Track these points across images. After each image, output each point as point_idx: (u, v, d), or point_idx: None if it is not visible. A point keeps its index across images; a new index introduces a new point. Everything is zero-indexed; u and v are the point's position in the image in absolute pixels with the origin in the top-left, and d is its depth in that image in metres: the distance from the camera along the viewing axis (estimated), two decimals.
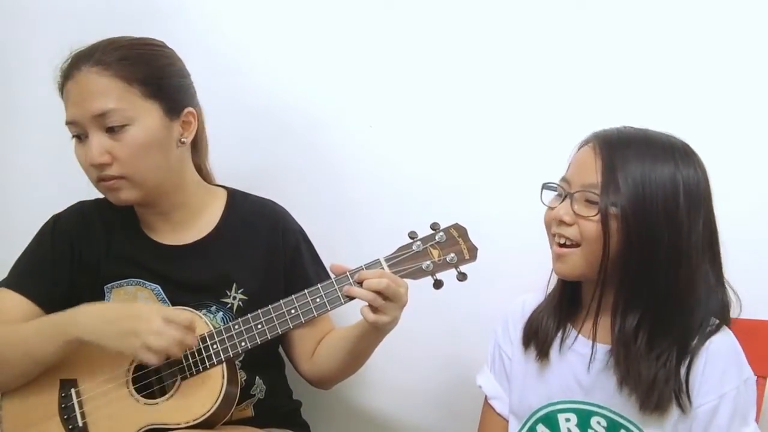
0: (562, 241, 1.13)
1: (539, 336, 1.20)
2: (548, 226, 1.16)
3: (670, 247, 1.07)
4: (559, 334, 1.19)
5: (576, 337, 1.18)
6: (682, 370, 1.08)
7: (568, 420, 1.18)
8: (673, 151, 1.10)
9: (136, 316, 1.21)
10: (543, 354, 1.20)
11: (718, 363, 1.09)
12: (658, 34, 1.46)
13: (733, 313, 1.14)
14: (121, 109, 1.25)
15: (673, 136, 1.13)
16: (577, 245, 1.12)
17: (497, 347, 1.30)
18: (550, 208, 1.16)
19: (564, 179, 1.15)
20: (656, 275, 1.07)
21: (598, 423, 1.15)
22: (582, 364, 1.16)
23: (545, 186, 1.17)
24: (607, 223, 1.07)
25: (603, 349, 1.14)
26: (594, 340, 1.15)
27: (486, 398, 1.31)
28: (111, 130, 1.25)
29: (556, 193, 1.16)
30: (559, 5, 1.51)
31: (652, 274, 1.08)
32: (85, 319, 1.24)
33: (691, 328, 1.10)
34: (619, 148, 1.10)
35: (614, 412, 1.14)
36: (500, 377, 1.29)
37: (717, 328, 1.11)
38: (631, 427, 1.12)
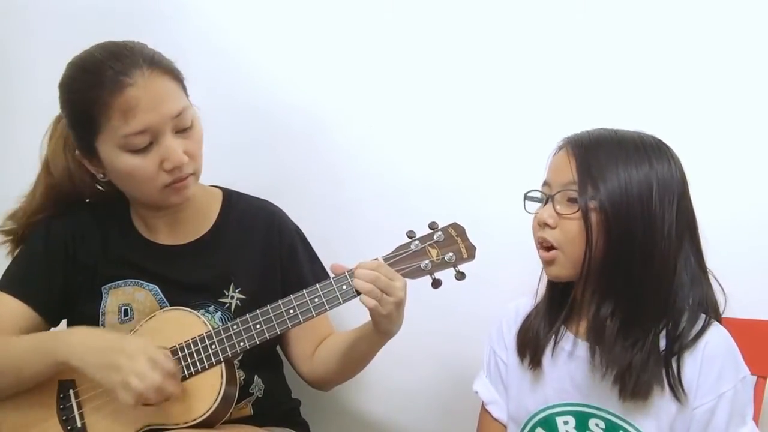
0: (546, 244, 1.14)
1: (531, 345, 1.20)
2: (534, 232, 1.17)
3: (645, 238, 1.08)
4: (552, 339, 1.19)
5: (569, 338, 1.18)
6: (673, 363, 1.09)
7: (566, 423, 1.18)
8: (646, 149, 1.11)
9: (123, 351, 1.18)
10: (535, 363, 1.20)
11: (715, 363, 1.09)
12: (657, 36, 1.46)
13: (720, 306, 1.14)
14: (188, 106, 1.27)
15: (643, 134, 1.14)
16: (560, 248, 1.12)
17: (492, 352, 1.29)
18: (535, 215, 1.17)
19: (544, 183, 1.17)
20: (631, 265, 1.08)
21: (597, 425, 1.15)
22: (576, 365, 1.16)
23: (527, 196, 1.18)
24: (587, 217, 1.09)
25: (586, 346, 1.14)
26: (577, 337, 1.15)
27: (483, 404, 1.31)
28: (182, 130, 1.26)
29: (539, 202, 1.17)
30: (558, 7, 1.51)
31: (627, 265, 1.09)
32: (76, 344, 1.22)
33: (675, 313, 1.10)
34: (591, 148, 1.12)
35: (612, 413, 1.13)
36: (496, 382, 1.29)
37: (709, 324, 1.11)
38: (629, 428, 1.12)
